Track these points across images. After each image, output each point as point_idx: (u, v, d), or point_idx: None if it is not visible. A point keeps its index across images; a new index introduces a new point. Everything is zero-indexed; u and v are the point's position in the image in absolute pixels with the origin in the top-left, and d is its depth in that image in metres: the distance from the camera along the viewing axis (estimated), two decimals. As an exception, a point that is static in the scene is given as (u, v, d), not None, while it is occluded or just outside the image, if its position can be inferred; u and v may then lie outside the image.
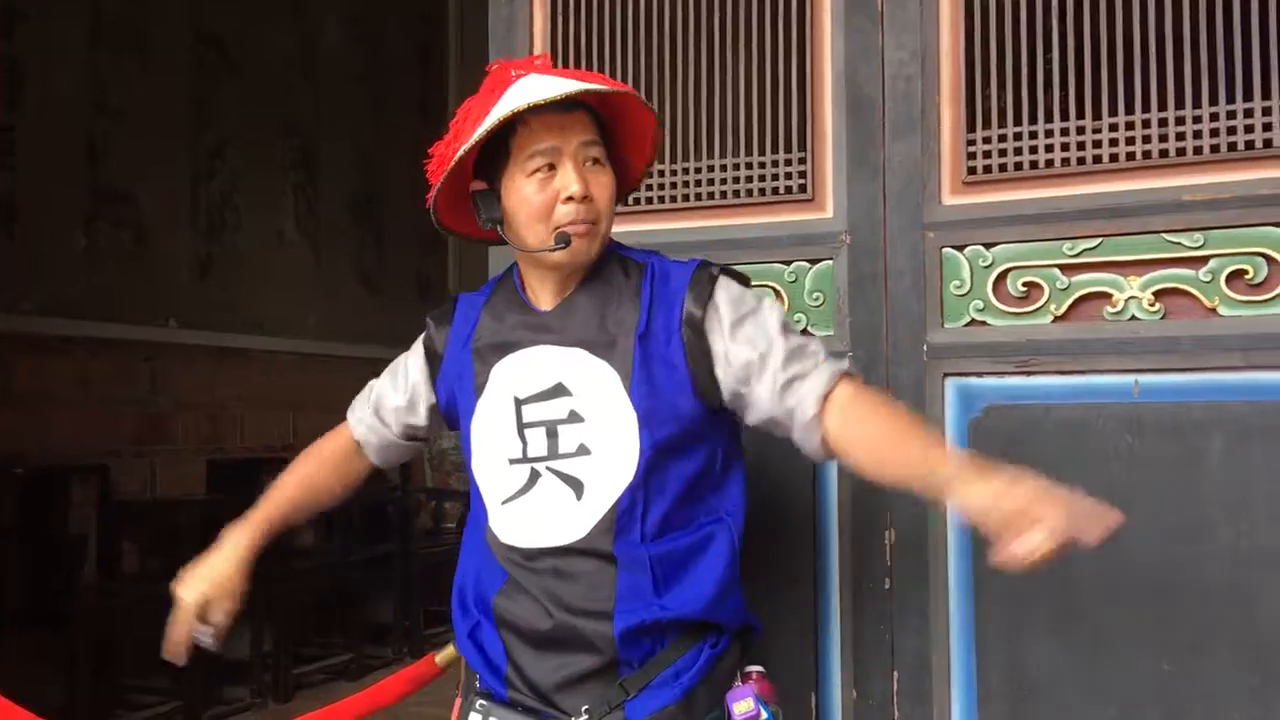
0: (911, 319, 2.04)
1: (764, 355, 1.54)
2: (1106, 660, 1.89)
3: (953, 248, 2.03)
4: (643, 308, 1.55)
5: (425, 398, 1.78)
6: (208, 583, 1.69)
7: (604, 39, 2.32)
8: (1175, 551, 1.85)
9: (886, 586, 2.04)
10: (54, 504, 4.70)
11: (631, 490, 1.50)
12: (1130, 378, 1.91)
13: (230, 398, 5.90)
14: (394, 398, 1.82)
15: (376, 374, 1.89)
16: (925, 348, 2.03)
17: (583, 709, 1.48)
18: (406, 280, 7.42)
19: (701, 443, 1.56)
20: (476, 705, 1.57)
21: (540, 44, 2.38)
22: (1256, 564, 1.81)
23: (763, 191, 2.19)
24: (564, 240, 1.54)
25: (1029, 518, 1.32)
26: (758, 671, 1.59)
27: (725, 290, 1.58)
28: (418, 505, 6.59)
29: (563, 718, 1.50)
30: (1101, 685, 1.89)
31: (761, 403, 1.56)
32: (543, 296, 1.62)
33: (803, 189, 2.16)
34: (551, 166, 1.54)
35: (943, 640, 2.00)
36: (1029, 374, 1.98)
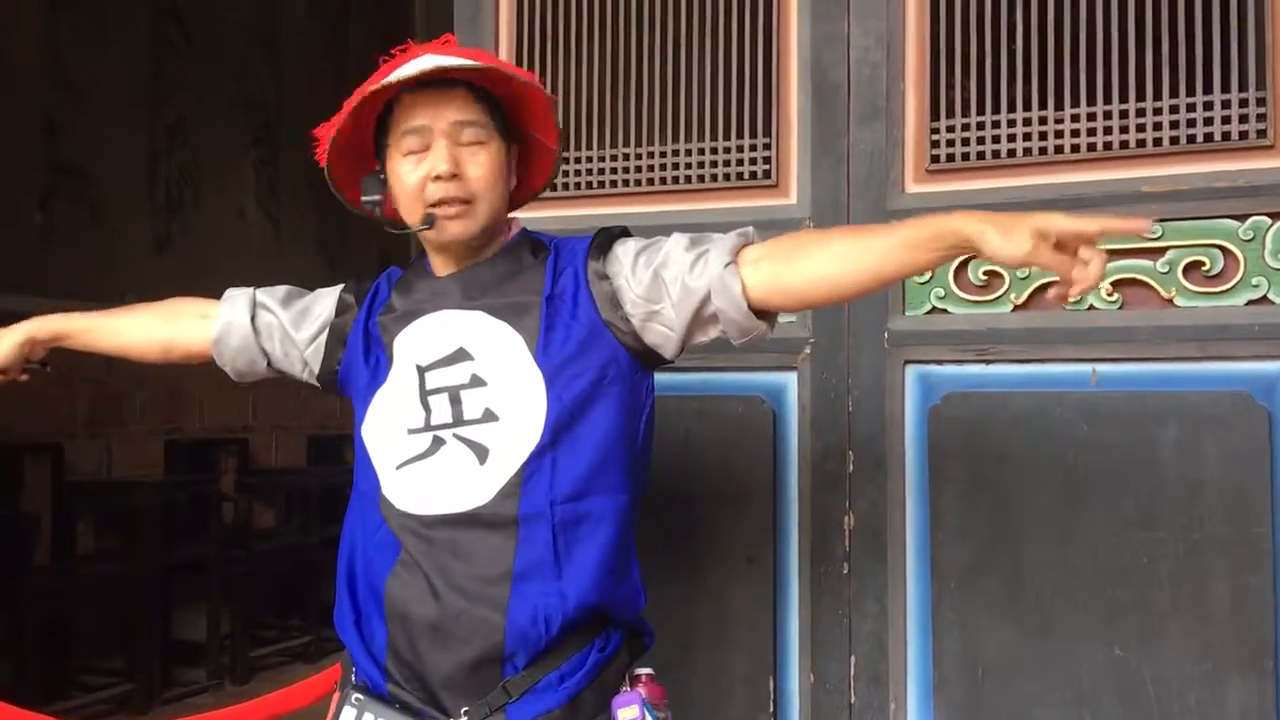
0: (873, 306, 2.05)
1: (668, 254, 1.51)
2: (1060, 645, 1.91)
3: (915, 235, 2.04)
4: (547, 274, 1.54)
5: (318, 326, 1.70)
6: None
7: (570, 22, 2.31)
8: (1129, 538, 1.88)
9: (844, 571, 2.05)
10: (6, 483, 4.63)
11: (538, 454, 1.46)
12: (1088, 367, 1.93)
13: (188, 378, 5.81)
14: (290, 300, 1.74)
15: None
16: (886, 335, 2.05)
17: (462, 711, 1.43)
18: (369, 258, 7.34)
19: (611, 407, 1.51)
20: (352, 699, 1.51)
21: (506, 27, 2.36)
22: (1208, 551, 1.84)
23: (727, 177, 2.20)
24: (428, 221, 1.53)
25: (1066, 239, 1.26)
26: (647, 674, 1.53)
27: (624, 242, 1.57)
28: (378, 488, 6.55)
29: (441, 718, 1.45)
30: (1055, 670, 1.91)
31: (676, 297, 1.49)
32: (445, 269, 1.61)
33: (767, 175, 2.16)
34: (427, 146, 1.52)
35: (899, 624, 2.02)
36: (988, 362, 1.99)
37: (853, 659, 2.05)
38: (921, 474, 2.02)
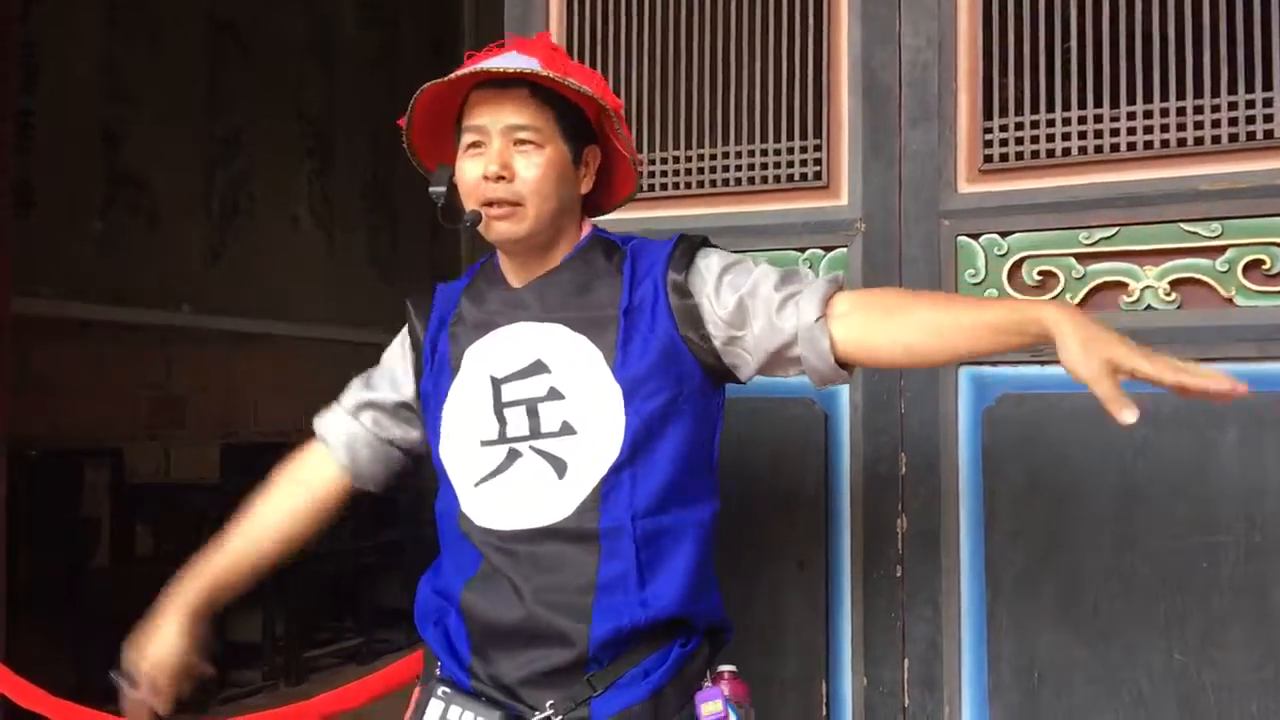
0: (926, 307, 2.03)
1: (755, 284, 1.50)
2: (1118, 651, 1.89)
3: (968, 236, 2.03)
4: (625, 284, 1.52)
5: (413, 373, 1.69)
6: (155, 668, 1.75)
7: (620, 25, 2.32)
8: (1188, 542, 1.85)
9: (898, 574, 2.04)
10: (67, 487, 4.72)
11: (617, 468, 1.46)
12: (1145, 367, 1.90)
13: (244, 383, 5.91)
14: (372, 382, 1.73)
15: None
16: (939, 336, 2.03)
17: (547, 704, 1.44)
18: (420, 266, 7.43)
19: (686, 422, 1.51)
20: (439, 692, 1.52)
21: (556, 31, 2.38)
22: (1270, 555, 1.81)
23: (778, 179, 2.19)
24: (473, 218, 1.53)
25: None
26: (730, 672, 1.54)
27: (707, 255, 1.56)
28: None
29: (527, 712, 1.45)
30: (1113, 676, 1.89)
31: (759, 332, 1.49)
32: (517, 276, 1.59)
33: (818, 176, 2.16)
34: (481, 144, 1.52)
35: (953, 628, 2.00)
36: (1043, 363, 1.97)
37: (906, 663, 2.03)
38: (975, 476, 2.00)
